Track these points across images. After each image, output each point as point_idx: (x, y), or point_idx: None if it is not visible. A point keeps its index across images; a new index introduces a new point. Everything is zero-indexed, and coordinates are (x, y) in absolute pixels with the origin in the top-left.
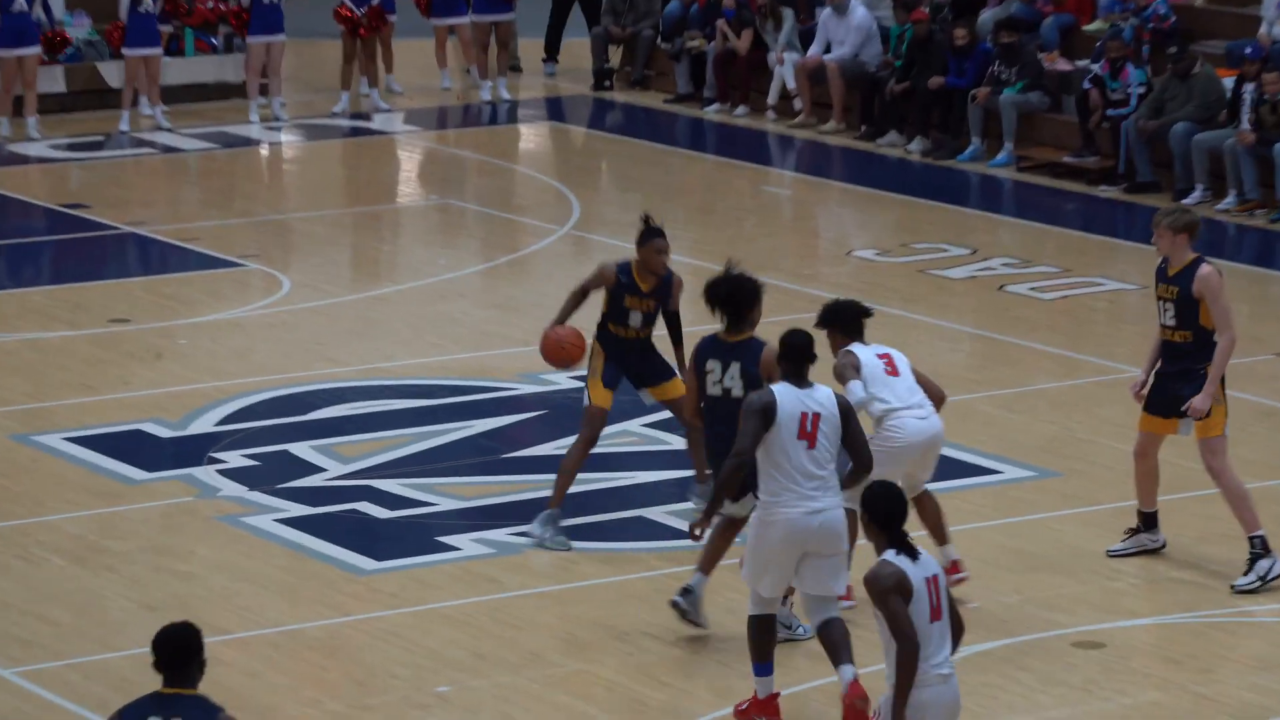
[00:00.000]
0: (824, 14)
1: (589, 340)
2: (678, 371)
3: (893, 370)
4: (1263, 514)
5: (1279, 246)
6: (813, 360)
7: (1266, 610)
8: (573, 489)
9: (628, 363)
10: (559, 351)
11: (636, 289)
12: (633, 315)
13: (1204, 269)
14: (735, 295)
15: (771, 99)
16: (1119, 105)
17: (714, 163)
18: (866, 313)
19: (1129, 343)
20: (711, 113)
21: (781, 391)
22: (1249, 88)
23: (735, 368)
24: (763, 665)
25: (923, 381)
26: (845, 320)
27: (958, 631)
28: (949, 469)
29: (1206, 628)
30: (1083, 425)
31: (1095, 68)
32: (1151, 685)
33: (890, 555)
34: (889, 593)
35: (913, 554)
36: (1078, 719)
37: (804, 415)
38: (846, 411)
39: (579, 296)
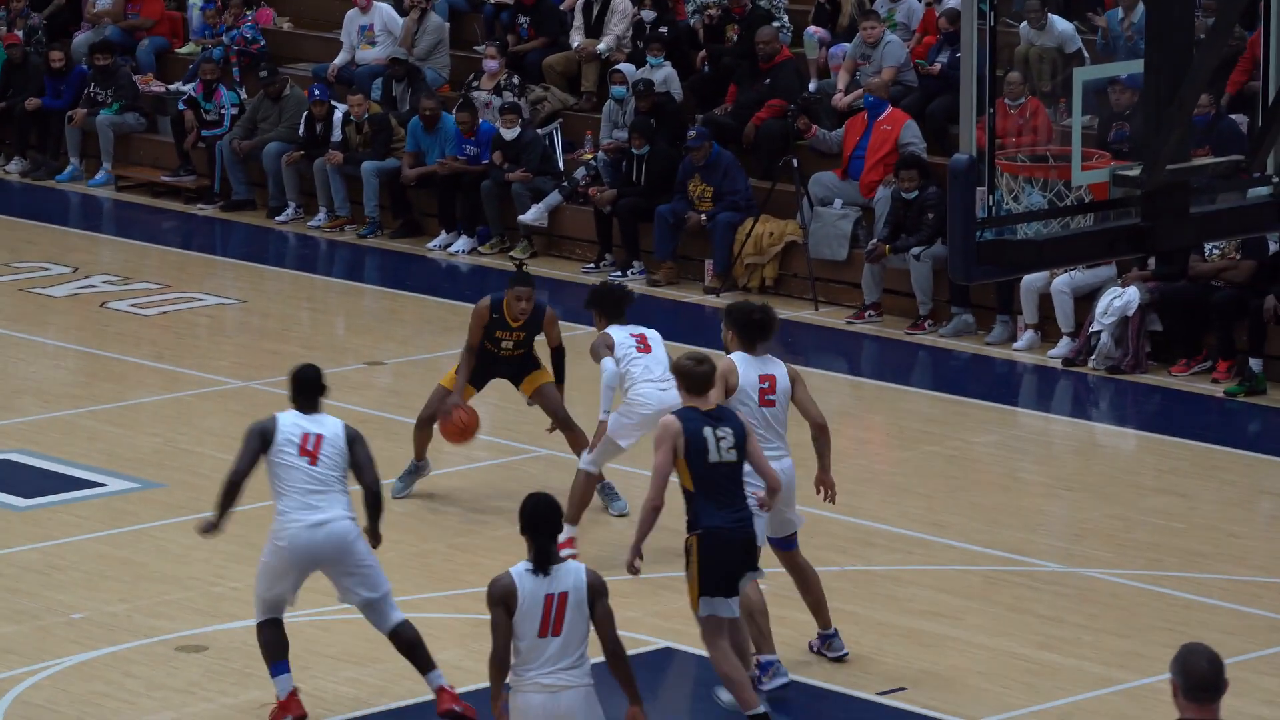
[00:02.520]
0: None
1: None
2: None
3: (645, 348)
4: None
5: (368, 260)
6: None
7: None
8: None
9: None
10: (462, 434)
11: (506, 324)
12: (504, 341)
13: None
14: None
15: None
16: (213, 126)
17: None
18: (629, 297)
19: (229, 355)
20: None
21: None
22: (339, 109)
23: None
24: (277, 665)
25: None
26: (608, 304)
27: (610, 654)
28: (53, 484)
29: (300, 626)
30: (185, 436)
31: (189, 89)
32: (254, 684)
33: (518, 568)
34: (494, 603)
35: (545, 569)
36: None
37: (305, 435)
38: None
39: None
